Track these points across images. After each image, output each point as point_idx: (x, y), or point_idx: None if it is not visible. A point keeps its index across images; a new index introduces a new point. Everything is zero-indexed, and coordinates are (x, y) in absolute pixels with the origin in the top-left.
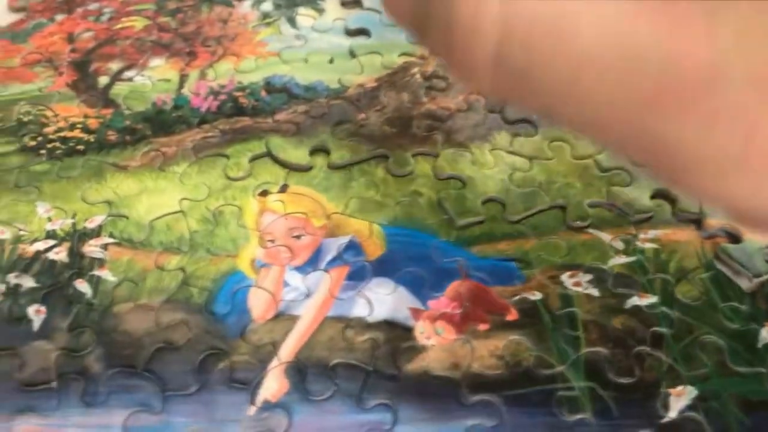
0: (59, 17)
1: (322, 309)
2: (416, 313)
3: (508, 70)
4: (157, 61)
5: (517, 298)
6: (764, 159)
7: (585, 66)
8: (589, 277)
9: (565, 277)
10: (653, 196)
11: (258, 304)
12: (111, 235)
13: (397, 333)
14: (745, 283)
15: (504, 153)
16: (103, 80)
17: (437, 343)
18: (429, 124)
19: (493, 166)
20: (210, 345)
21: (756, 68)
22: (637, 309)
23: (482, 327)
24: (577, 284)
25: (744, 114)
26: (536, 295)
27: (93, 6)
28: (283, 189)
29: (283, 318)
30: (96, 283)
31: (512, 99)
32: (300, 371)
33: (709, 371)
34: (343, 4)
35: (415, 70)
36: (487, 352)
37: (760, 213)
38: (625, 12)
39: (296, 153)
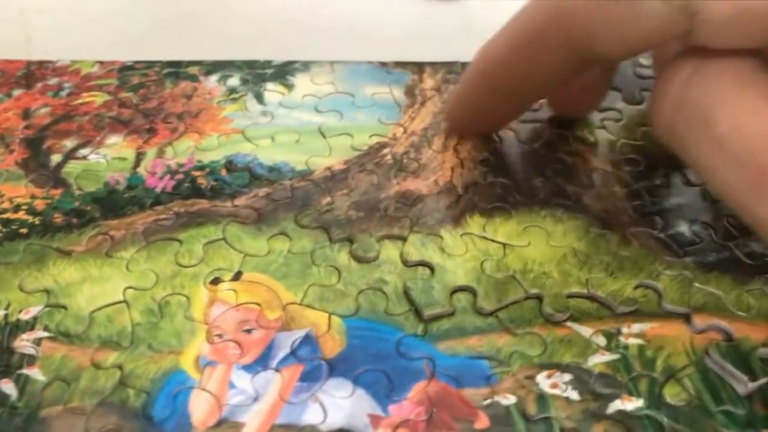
0: (17, 92)
1: (270, 415)
2: (375, 420)
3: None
4: (114, 139)
5: (488, 402)
6: None
7: (715, 152)
8: (568, 377)
9: (542, 378)
10: (637, 287)
11: (200, 409)
12: (46, 328)
13: None
14: (740, 387)
15: (476, 238)
16: (56, 158)
17: None
18: (398, 207)
19: (464, 252)
20: None
21: None
22: (621, 414)
23: None
24: (555, 386)
25: None
26: (509, 399)
27: (53, 81)
28: (237, 276)
29: (227, 425)
30: (23, 383)
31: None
32: None
33: None
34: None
35: (386, 151)
36: None
37: None
38: (753, 111)
39: (254, 243)
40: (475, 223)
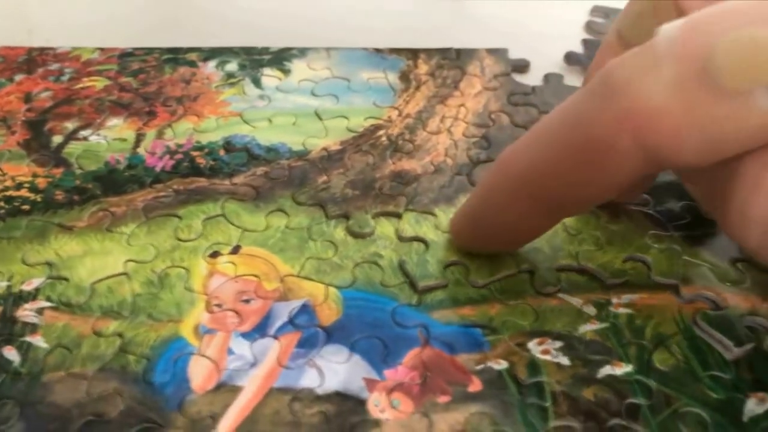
0: (19, 77)
1: (268, 379)
2: (371, 383)
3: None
4: (114, 121)
5: (481, 367)
6: None
7: None
8: (558, 344)
9: (533, 345)
10: (627, 260)
11: (198, 373)
12: (48, 299)
13: (349, 406)
14: (727, 353)
15: None
16: (57, 139)
17: (392, 418)
18: (393, 186)
19: None
20: (144, 418)
21: None
22: (610, 378)
23: (442, 399)
24: (546, 352)
25: None
26: (502, 364)
27: (54, 66)
28: (236, 250)
29: (225, 389)
30: (26, 350)
31: None
32: None
33: None
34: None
35: (381, 132)
36: (447, 427)
37: None
38: None
39: (252, 219)
40: None
